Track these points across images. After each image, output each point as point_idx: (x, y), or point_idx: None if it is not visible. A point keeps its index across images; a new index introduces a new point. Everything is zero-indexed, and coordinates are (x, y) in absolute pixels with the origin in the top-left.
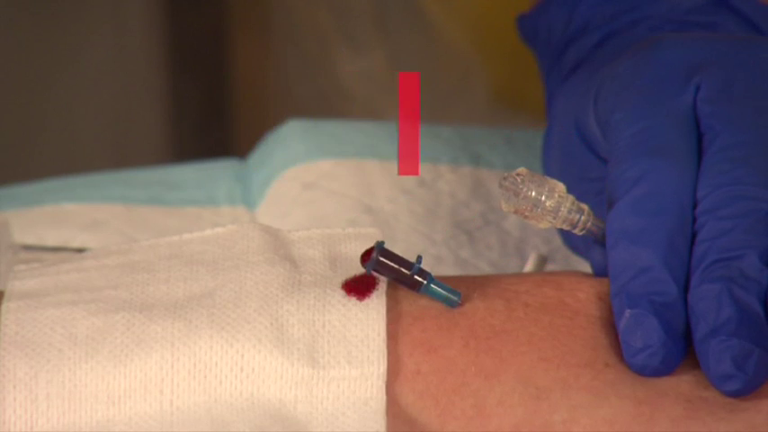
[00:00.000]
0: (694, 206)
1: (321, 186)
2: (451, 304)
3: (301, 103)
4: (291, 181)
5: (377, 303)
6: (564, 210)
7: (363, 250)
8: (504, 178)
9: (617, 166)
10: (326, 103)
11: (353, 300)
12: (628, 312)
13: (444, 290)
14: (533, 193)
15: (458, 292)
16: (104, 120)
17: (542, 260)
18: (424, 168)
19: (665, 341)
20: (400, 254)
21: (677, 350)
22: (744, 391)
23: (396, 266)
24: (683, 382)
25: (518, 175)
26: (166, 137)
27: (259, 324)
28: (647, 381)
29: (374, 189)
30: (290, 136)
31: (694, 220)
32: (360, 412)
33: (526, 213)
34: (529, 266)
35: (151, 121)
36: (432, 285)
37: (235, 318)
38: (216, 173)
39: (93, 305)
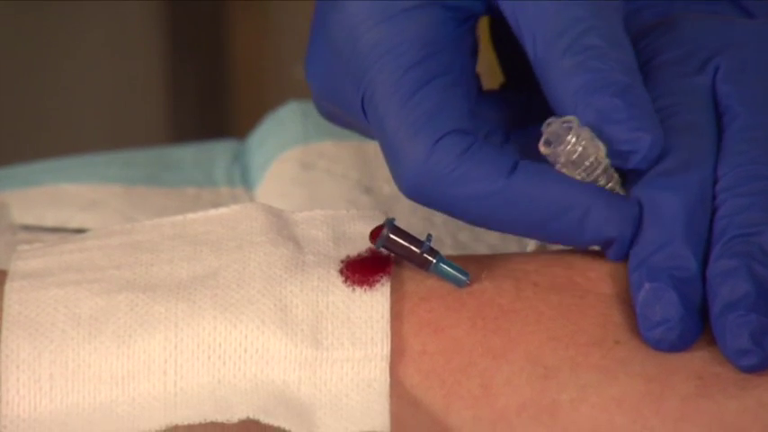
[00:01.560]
0: (715, 184)
1: (320, 167)
2: (460, 284)
3: (299, 84)
4: (291, 162)
5: (381, 284)
6: (598, 171)
7: (368, 232)
8: (551, 123)
9: None
10: None
11: (357, 282)
12: (647, 285)
13: (453, 269)
14: (579, 147)
15: (466, 272)
16: (103, 101)
17: (542, 249)
18: None
19: (683, 315)
20: None
21: (694, 325)
22: (760, 367)
23: (406, 244)
24: (695, 359)
25: (567, 122)
26: (165, 118)
27: (263, 305)
28: (658, 357)
29: (374, 170)
30: (289, 117)
31: (714, 197)
32: (363, 394)
33: (561, 160)
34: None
35: (150, 102)
36: (441, 264)
37: (238, 299)
38: (214, 153)
39: (97, 285)
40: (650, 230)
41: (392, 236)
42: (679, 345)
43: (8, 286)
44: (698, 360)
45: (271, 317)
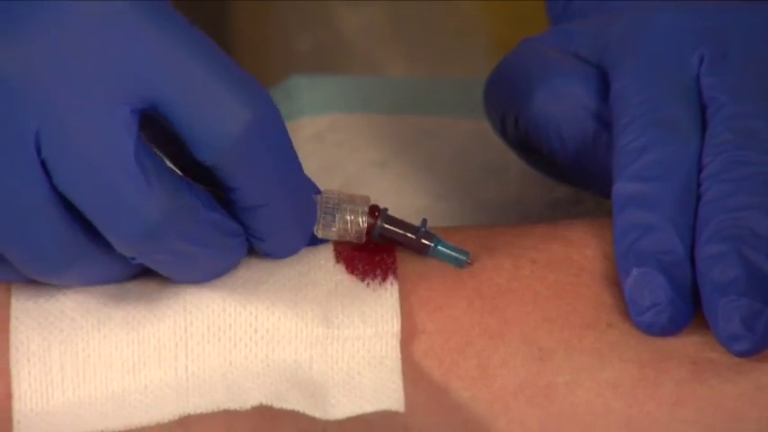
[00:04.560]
0: (699, 172)
1: (325, 138)
2: (460, 264)
3: (301, 56)
4: (295, 133)
5: (389, 275)
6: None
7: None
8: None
9: (622, 136)
10: (327, 56)
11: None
12: (635, 271)
13: (452, 251)
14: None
15: (466, 251)
16: None
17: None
18: (426, 121)
19: (672, 298)
20: (405, 207)
21: (685, 308)
22: (752, 351)
23: (401, 232)
24: (688, 344)
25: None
26: None
27: (271, 285)
28: (651, 343)
29: (378, 142)
30: (293, 91)
31: (699, 184)
32: (375, 371)
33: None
34: None
35: None
36: (439, 247)
37: (247, 279)
38: None
39: None
40: (635, 216)
41: (387, 225)
42: (670, 328)
43: None
44: (691, 345)
45: (280, 297)
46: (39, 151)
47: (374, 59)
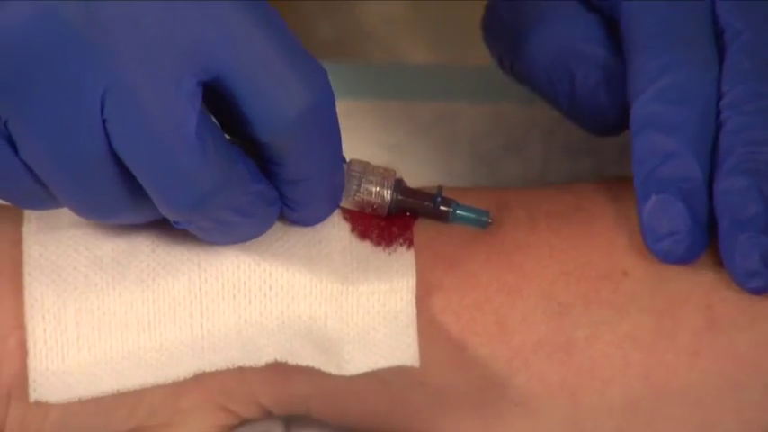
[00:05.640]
0: (718, 99)
1: (340, 124)
2: (483, 225)
3: (323, 45)
4: None
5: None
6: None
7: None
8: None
9: (638, 56)
10: (346, 44)
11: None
12: (654, 197)
13: (472, 212)
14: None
15: (486, 211)
16: None
17: None
18: (443, 106)
19: (691, 228)
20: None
21: (702, 239)
22: (767, 289)
23: (417, 201)
24: (701, 285)
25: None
26: None
27: (285, 242)
28: (664, 286)
29: (393, 126)
30: None
31: (719, 112)
32: (390, 326)
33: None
34: None
35: None
36: (458, 212)
37: (261, 236)
38: None
39: (115, 226)
40: (654, 140)
41: (401, 197)
42: (686, 258)
43: (26, 228)
44: (704, 286)
45: (295, 253)
46: (102, 110)
47: (396, 49)
